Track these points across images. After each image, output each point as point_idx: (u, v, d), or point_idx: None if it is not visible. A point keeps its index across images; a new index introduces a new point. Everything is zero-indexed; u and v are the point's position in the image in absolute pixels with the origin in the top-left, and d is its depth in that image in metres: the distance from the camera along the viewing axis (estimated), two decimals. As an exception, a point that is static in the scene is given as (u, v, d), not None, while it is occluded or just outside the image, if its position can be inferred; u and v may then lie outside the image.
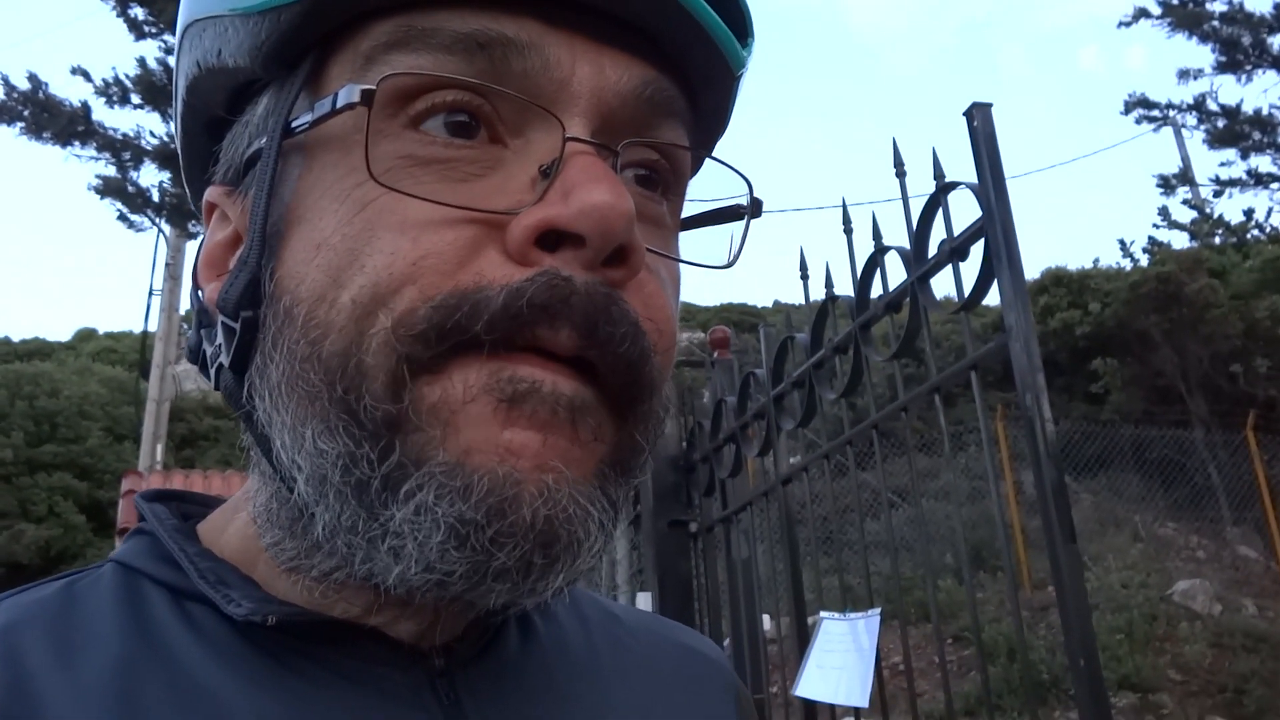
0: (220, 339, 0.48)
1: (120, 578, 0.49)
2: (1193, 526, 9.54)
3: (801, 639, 1.97)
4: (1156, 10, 13.23)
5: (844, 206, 1.88)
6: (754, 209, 0.53)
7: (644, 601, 2.59)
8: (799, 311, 2.14)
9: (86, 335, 30.14)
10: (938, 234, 1.58)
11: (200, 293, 0.51)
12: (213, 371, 0.49)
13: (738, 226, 0.54)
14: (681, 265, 0.54)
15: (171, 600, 0.47)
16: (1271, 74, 12.78)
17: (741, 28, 0.50)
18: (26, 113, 10.52)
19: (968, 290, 1.50)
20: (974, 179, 1.47)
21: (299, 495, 0.44)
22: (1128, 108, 14.31)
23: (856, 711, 1.69)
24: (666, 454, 2.67)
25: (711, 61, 0.49)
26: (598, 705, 0.54)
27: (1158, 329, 10.19)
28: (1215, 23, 12.99)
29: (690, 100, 0.51)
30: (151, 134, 10.94)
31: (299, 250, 0.45)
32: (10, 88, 10.39)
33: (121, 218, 11.20)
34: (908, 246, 1.64)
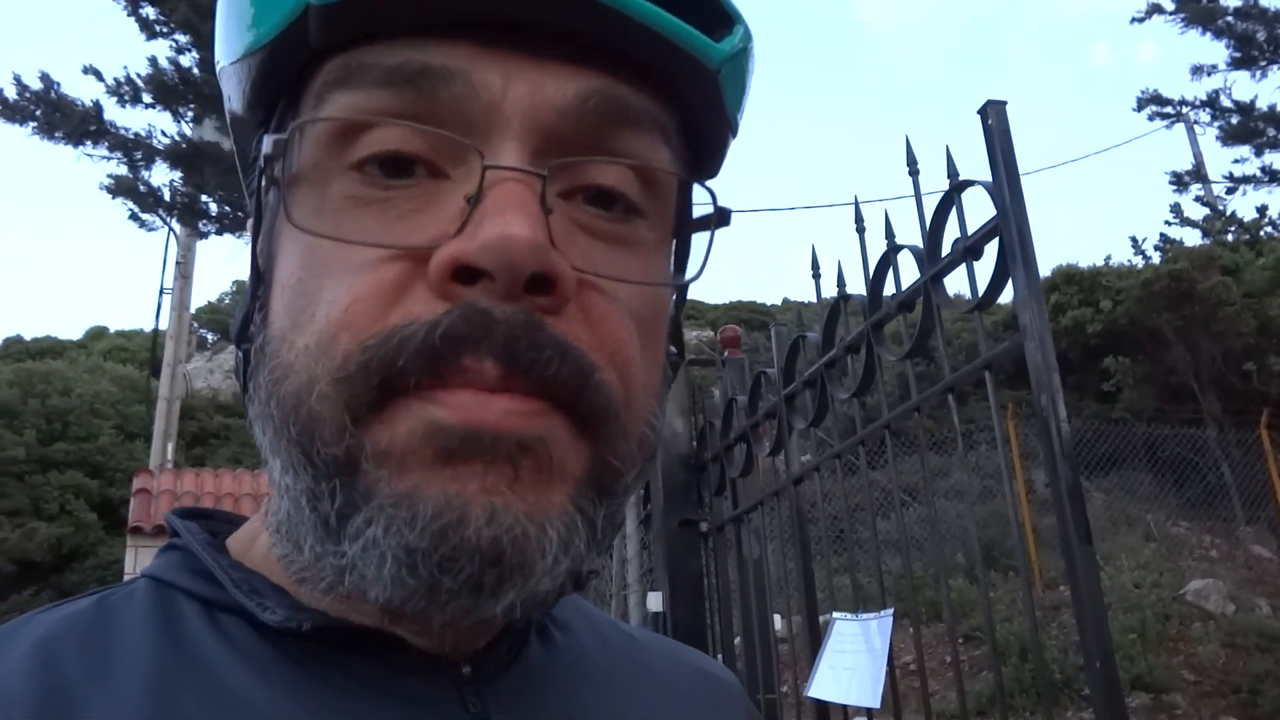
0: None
1: (153, 592, 0.50)
2: (1205, 526, 9.48)
3: (814, 638, 1.97)
4: (1170, 6, 13.15)
5: (856, 204, 1.87)
6: (720, 218, 0.50)
7: (655, 600, 2.59)
8: (810, 309, 2.14)
9: (98, 334, 30.36)
10: (951, 232, 1.57)
11: None
12: None
13: (723, 231, 0.51)
14: (688, 268, 0.53)
15: (204, 612, 0.48)
16: (1286, 70, 12.69)
17: (717, 16, 0.48)
18: (39, 112, 10.56)
19: (981, 289, 1.49)
20: (987, 176, 1.46)
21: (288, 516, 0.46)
22: (1140, 104, 14.22)
23: (869, 712, 1.69)
24: (677, 453, 2.67)
25: (676, 59, 0.45)
26: None
27: (1170, 327, 10.12)
28: (1229, 18, 12.90)
29: (677, 101, 0.48)
30: (163, 133, 10.98)
31: (275, 289, 0.46)
32: (22, 87, 10.44)
33: (133, 217, 11.25)
34: (921, 245, 1.63)
